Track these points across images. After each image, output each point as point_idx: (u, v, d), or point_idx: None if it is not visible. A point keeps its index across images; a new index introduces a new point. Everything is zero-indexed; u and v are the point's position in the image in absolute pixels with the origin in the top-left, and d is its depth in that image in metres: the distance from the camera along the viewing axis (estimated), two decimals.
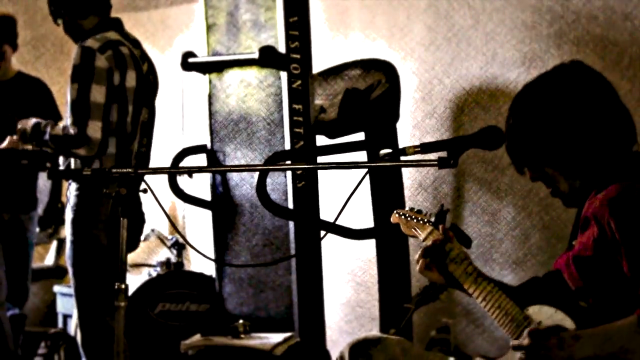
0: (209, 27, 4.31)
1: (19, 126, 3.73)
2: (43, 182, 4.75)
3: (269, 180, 3.93)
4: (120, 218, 2.47)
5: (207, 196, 4.49)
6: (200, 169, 3.87)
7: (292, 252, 3.96)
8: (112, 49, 3.62)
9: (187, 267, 4.97)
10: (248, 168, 4.38)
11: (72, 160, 3.69)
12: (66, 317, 5.24)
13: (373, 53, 4.36)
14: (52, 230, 5.21)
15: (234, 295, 4.38)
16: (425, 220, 2.55)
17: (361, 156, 3.99)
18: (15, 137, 3.86)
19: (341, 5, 4.70)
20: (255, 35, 4.10)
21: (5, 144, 4.03)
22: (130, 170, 2.46)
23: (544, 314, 2.27)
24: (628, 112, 2.31)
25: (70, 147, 3.56)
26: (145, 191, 2.54)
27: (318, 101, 4.06)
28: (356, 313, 4.69)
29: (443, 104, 4.31)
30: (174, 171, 4.19)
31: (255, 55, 3.92)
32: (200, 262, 5.05)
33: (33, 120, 3.70)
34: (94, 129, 3.54)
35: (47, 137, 3.60)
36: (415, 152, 2.29)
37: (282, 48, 3.87)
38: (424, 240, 2.50)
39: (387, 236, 4.01)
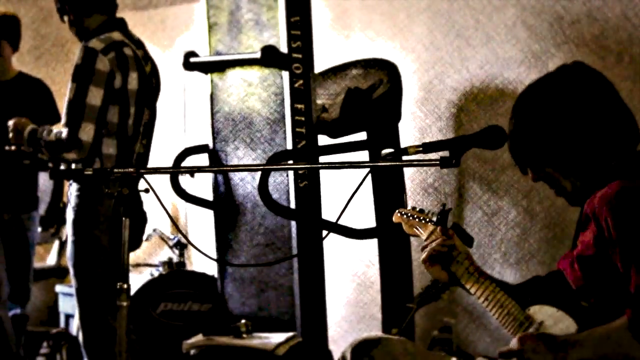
0: (211, 27, 4.31)
1: (11, 122, 3.72)
2: (45, 182, 4.76)
3: (270, 179, 3.93)
4: (122, 218, 2.47)
5: (209, 196, 4.49)
6: (202, 169, 3.87)
7: (294, 251, 3.96)
8: (115, 50, 3.63)
9: (189, 267, 4.96)
10: (250, 168, 4.37)
11: None
12: (68, 317, 5.25)
13: (374, 53, 4.37)
14: (54, 230, 5.21)
15: (236, 295, 4.38)
16: (427, 219, 2.56)
17: (363, 156, 3.99)
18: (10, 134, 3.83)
19: (342, 5, 4.70)
20: (257, 34, 4.10)
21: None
22: (131, 170, 2.47)
23: (546, 314, 2.28)
24: (630, 113, 2.31)
25: (61, 151, 3.56)
26: (147, 191, 2.55)
27: (320, 101, 4.06)
28: (358, 313, 4.70)
29: (443, 104, 4.31)
30: (175, 171, 4.18)
31: (257, 55, 3.92)
32: (202, 262, 5.05)
33: (30, 127, 3.70)
34: (86, 132, 3.54)
35: (42, 143, 3.61)
36: (417, 152, 2.29)
37: (283, 48, 3.87)
38: (426, 239, 2.51)
39: (389, 236, 4.01)
